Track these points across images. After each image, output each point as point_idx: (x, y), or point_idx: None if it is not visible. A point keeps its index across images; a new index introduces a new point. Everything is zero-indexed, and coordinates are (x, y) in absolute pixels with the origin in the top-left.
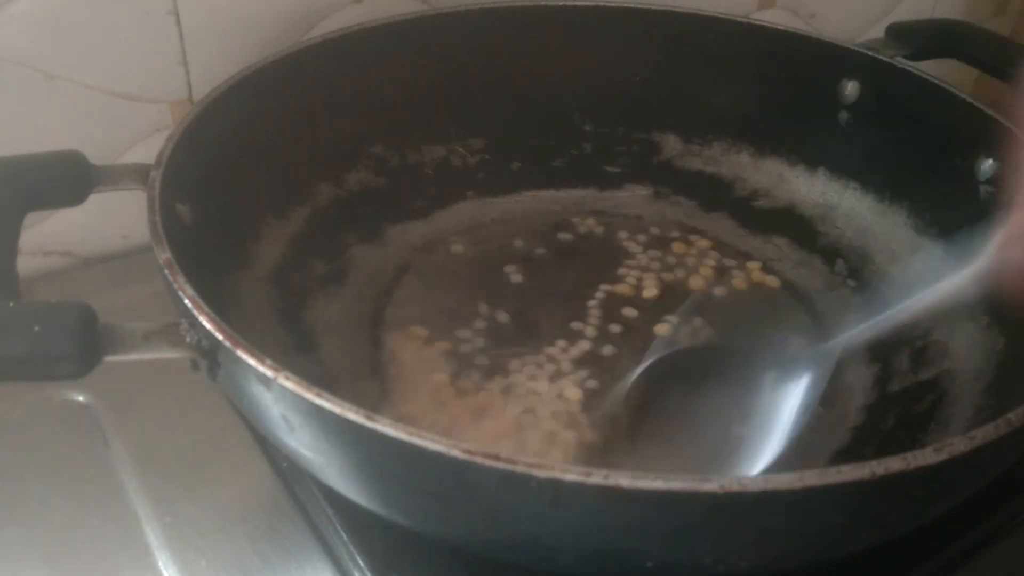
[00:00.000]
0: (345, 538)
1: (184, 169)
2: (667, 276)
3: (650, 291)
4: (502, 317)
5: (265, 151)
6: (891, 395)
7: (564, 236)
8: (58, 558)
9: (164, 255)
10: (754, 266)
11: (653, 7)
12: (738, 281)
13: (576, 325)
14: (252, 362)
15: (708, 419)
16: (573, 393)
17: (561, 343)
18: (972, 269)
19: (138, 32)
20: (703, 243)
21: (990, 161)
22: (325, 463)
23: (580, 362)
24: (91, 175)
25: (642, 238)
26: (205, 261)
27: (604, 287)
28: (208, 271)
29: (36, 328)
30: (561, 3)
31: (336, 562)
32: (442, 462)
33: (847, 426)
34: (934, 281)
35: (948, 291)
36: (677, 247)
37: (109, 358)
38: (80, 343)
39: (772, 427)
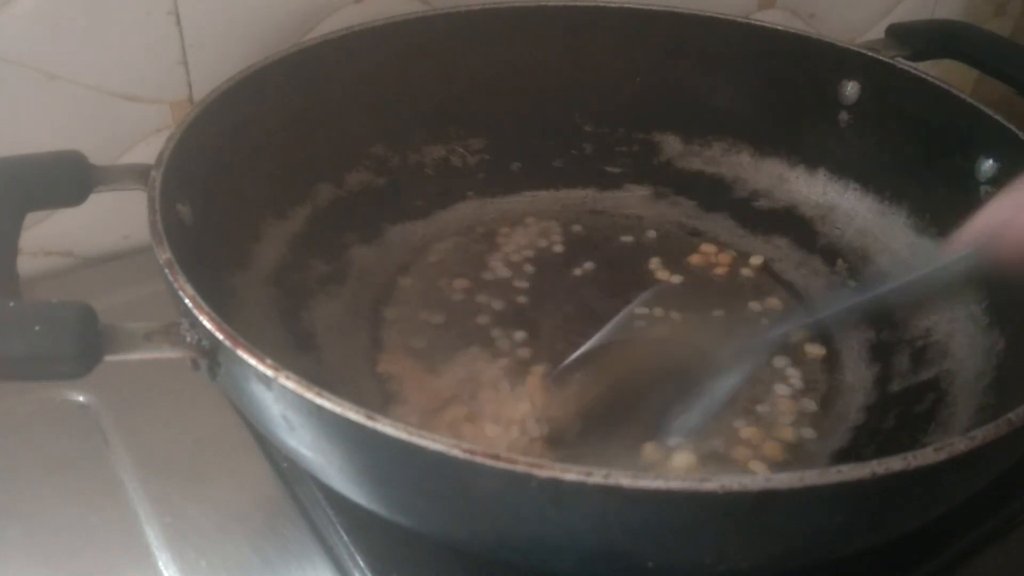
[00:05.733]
0: (345, 538)
1: (184, 169)
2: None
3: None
4: (503, 317)
5: (265, 151)
6: (891, 395)
7: (564, 237)
8: (58, 558)
9: (164, 255)
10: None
11: (653, 7)
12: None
13: (575, 323)
14: (252, 362)
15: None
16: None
17: (560, 341)
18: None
19: (139, 32)
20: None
21: (990, 161)
22: (325, 463)
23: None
24: (91, 175)
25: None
26: (205, 261)
27: (604, 286)
28: (208, 271)
29: (36, 328)
30: (561, 3)
31: (336, 562)
32: (442, 462)
33: (847, 426)
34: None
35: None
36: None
37: (109, 358)
38: (80, 343)
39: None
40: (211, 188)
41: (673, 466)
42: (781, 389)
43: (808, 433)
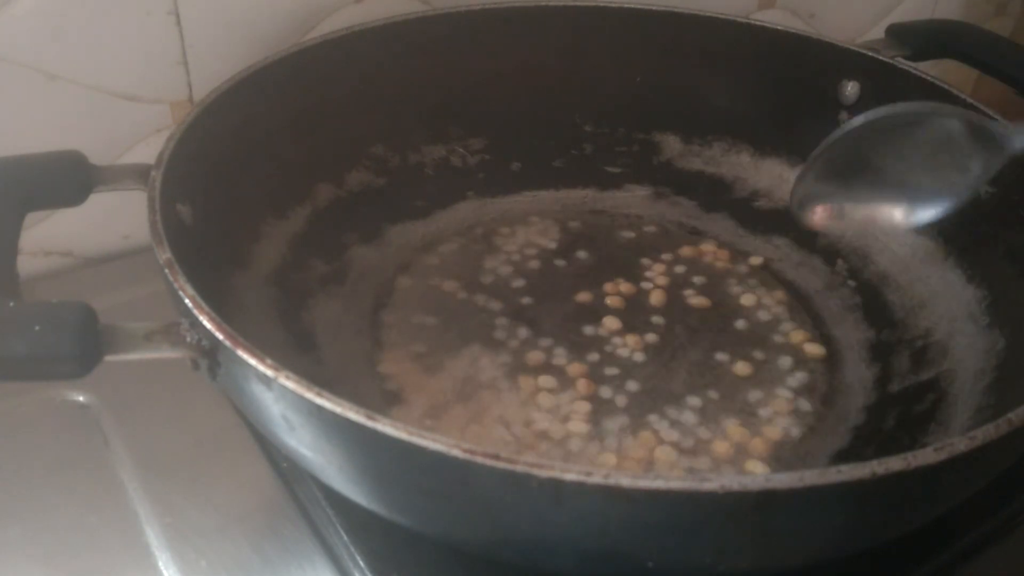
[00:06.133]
0: (345, 538)
1: (184, 169)
2: (666, 277)
3: (647, 289)
4: (503, 317)
5: (265, 151)
6: (891, 395)
7: (564, 236)
8: (58, 558)
9: (164, 255)
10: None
11: (653, 7)
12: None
13: (575, 322)
14: (253, 362)
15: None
16: (576, 382)
17: (561, 341)
18: None
19: (139, 32)
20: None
21: None
22: (325, 463)
23: (579, 356)
24: (91, 175)
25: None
26: (205, 261)
27: (605, 285)
28: (208, 271)
29: (37, 328)
30: (561, 3)
31: (336, 562)
32: (442, 462)
33: (847, 426)
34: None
35: None
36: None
37: (109, 358)
38: (80, 343)
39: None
40: (211, 188)
41: (655, 458)
42: (780, 390)
43: (807, 433)
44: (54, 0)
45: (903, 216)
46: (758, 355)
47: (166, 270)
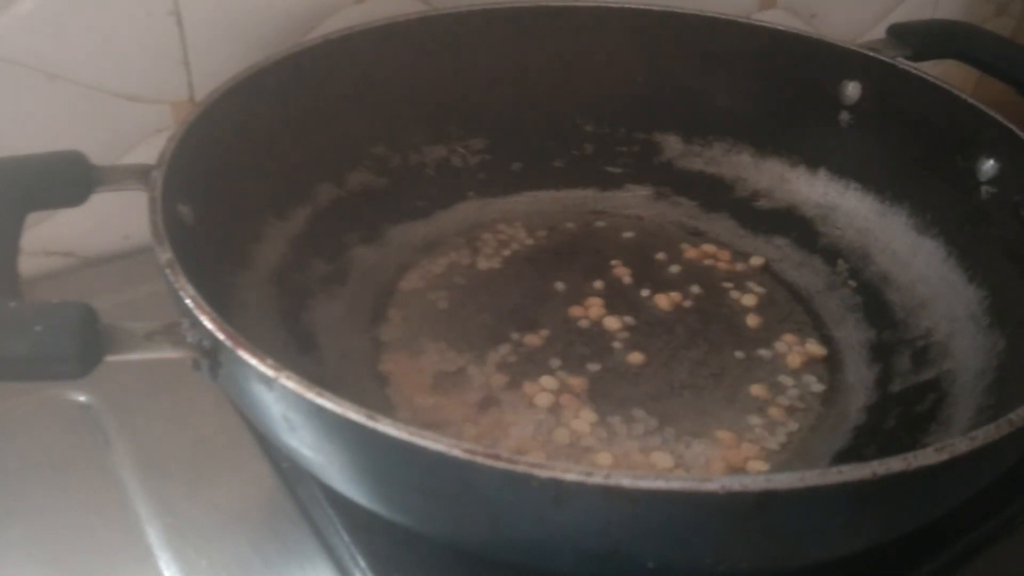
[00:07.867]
0: (346, 538)
1: (185, 169)
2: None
3: (647, 290)
4: (504, 318)
5: (266, 151)
6: (892, 395)
7: (565, 236)
8: (59, 558)
9: (165, 255)
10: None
11: (654, 8)
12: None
13: (575, 323)
14: (253, 362)
15: None
16: (576, 383)
17: (561, 342)
18: None
19: (140, 32)
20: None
21: (991, 161)
22: (326, 463)
23: (579, 356)
24: (92, 175)
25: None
26: (206, 261)
27: (605, 286)
28: (209, 271)
29: (37, 328)
30: (562, 4)
31: (337, 562)
32: (443, 462)
33: (848, 426)
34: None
35: None
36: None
37: (110, 358)
38: (81, 343)
39: None
40: (212, 188)
41: (656, 459)
42: (781, 390)
43: (807, 433)
44: (54, 0)
45: None
46: (759, 355)
47: (167, 270)
